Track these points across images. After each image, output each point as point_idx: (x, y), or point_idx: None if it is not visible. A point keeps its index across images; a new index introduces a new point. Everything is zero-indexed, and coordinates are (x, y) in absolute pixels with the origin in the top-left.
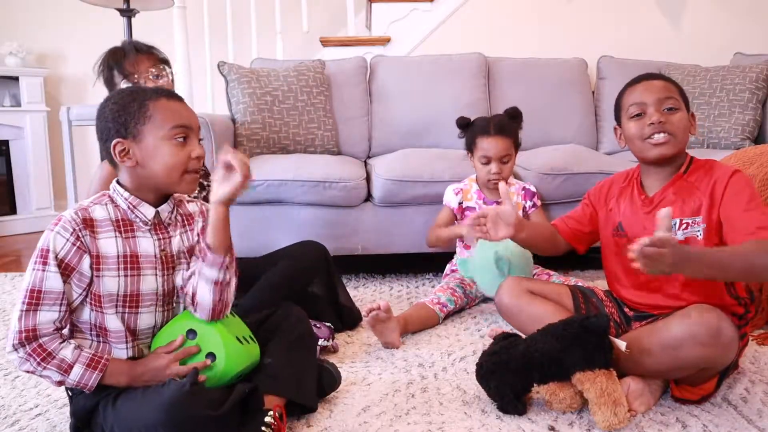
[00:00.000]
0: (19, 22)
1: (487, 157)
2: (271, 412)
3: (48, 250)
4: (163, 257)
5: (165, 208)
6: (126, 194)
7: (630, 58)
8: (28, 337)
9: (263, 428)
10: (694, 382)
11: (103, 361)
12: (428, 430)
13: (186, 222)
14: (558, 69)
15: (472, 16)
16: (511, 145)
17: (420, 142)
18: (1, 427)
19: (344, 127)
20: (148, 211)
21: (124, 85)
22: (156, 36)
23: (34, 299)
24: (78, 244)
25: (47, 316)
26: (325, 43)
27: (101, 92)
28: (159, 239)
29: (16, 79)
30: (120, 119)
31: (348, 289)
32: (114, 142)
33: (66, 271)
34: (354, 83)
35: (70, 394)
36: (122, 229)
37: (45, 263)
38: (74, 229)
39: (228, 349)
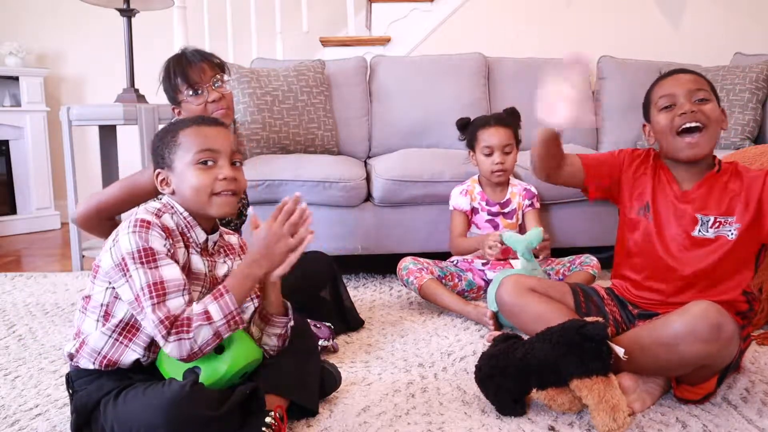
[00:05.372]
0: (19, 22)
1: (490, 147)
2: (271, 413)
3: (151, 248)
4: (211, 278)
5: (213, 238)
6: (186, 213)
7: (630, 58)
8: (170, 322)
9: (263, 429)
10: (695, 381)
11: (221, 289)
12: (428, 430)
13: (227, 252)
14: (558, 69)
15: (472, 16)
16: (512, 137)
17: (420, 142)
18: (1, 427)
19: (344, 127)
20: (200, 235)
21: (191, 95)
22: (156, 36)
23: (159, 291)
24: (167, 244)
25: (178, 302)
26: (325, 43)
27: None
28: (207, 261)
29: (16, 79)
30: (159, 151)
31: (348, 290)
32: (156, 172)
33: (174, 257)
34: (354, 83)
35: (70, 391)
36: (184, 242)
37: (154, 259)
38: (162, 233)
39: (237, 339)
